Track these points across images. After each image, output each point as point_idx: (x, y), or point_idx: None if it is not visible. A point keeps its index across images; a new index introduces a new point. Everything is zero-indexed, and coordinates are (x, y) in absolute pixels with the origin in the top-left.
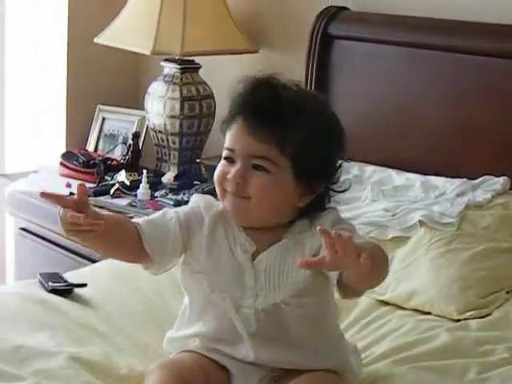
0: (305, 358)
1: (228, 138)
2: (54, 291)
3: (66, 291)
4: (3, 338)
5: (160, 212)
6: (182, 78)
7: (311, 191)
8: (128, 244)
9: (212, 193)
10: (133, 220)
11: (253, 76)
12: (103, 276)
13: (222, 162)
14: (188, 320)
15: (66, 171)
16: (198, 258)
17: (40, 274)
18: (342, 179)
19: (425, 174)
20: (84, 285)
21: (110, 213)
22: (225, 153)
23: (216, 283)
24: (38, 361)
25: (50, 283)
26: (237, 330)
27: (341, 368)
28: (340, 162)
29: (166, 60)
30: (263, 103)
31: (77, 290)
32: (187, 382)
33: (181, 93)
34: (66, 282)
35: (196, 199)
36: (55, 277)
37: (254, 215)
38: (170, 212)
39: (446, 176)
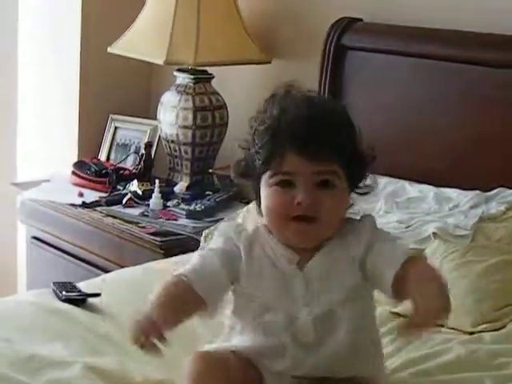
0: (345, 364)
1: (282, 164)
2: (67, 300)
3: (79, 301)
4: (17, 347)
5: (199, 256)
6: (194, 88)
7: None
8: (190, 307)
9: (225, 203)
10: (179, 274)
11: (276, 96)
12: (116, 286)
13: (274, 188)
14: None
15: (78, 180)
16: (243, 283)
17: (53, 283)
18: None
19: (438, 186)
20: (98, 294)
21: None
22: (279, 177)
23: (266, 302)
24: (52, 370)
25: (64, 292)
26: (281, 345)
27: (373, 377)
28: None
29: (178, 70)
30: (310, 124)
31: (90, 300)
32: (224, 372)
33: (193, 103)
34: (79, 291)
35: (224, 229)
36: (68, 286)
37: (322, 234)
38: (210, 255)
39: (460, 188)
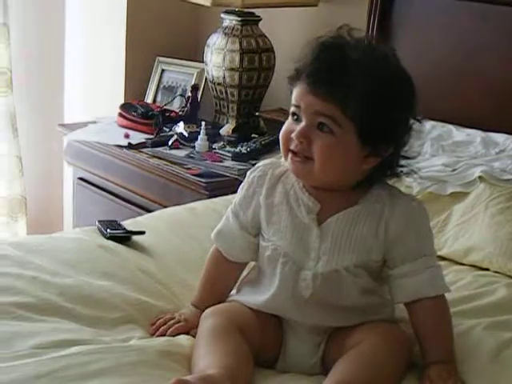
0: (357, 318)
1: (294, 95)
2: (112, 238)
3: (124, 238)
4: (66, 279)
5: (224, 219)
6: (241, 31)
7: (377, 154)
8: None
9: (270, 146)
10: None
11: (321, 36)
12: (160, 224)
13: (289, 119)
14: (249, 286)
15: (125, 122)
16: (263, 228)
17: (99, 221)
18: (411, 143)
19: (485, 131)
20: (142, 232)
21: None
22: (292, 109)
23: (279, 248)
24: (96, 303)
25: (109, 230)
26: (293, 298)
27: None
28: (409, 124)
29: (225, 12)
30: (327, 63)
31: (135, 238)
32: (242, 328)
33: (240, 45)
34: (124, 229)
35: (257, 167)
36: (114, 224)
37: (317, 177)
38: (231, 216)
39: (507, 133)
